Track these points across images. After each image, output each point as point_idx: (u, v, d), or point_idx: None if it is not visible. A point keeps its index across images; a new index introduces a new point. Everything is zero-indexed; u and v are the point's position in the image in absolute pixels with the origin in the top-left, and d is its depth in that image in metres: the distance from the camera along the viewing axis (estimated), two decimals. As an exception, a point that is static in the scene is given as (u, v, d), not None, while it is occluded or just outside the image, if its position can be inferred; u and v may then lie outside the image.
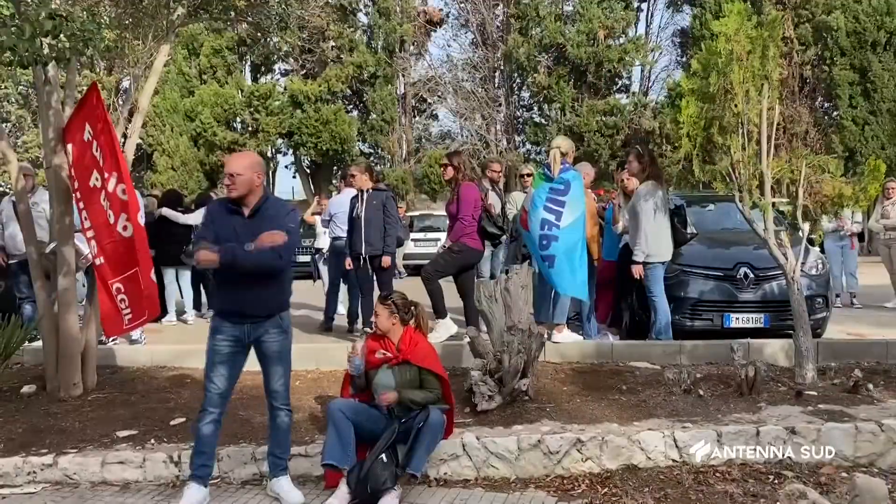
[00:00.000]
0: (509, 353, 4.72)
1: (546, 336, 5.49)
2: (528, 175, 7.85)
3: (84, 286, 7.05)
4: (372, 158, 28.48)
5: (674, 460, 4.19)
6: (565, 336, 6.24)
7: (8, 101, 24.41)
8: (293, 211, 3.97)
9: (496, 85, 28.91)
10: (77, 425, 4.92)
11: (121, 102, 23.75)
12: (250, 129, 26.45)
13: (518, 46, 26.07)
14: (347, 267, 7.45)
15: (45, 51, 4.28)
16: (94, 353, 5.81)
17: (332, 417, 3.98)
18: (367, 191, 7.15)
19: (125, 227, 5.19)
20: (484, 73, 28.30)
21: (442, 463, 4.16)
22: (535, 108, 28.85)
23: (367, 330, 6.87)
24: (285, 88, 27.26)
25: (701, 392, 5.00)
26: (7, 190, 8.93)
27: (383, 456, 3.79)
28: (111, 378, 6.02)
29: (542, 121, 27.84)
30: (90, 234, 5.36)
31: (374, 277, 7.17)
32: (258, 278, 3.73)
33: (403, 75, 28.40)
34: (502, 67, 28.38)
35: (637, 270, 6.19)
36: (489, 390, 4.69)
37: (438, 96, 28.85)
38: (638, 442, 4.19)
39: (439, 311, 6.49)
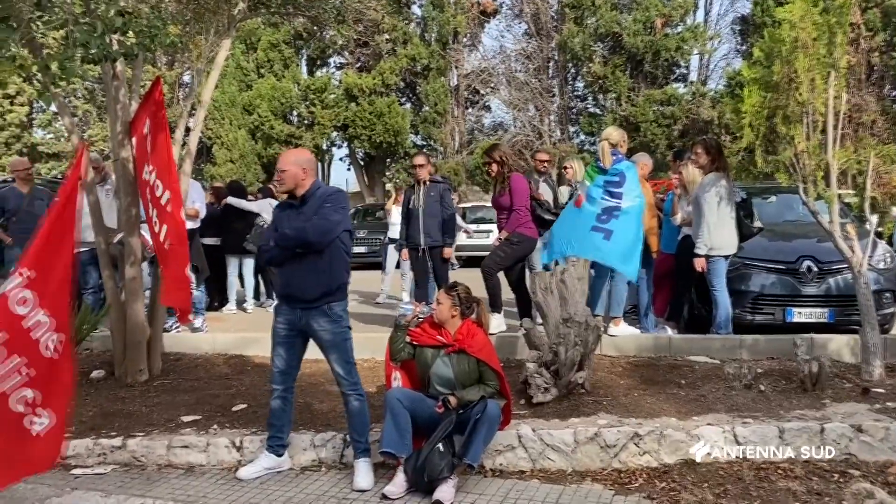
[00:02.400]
0: (565, 346, 4.70)
1: (602, 329, 5.44)
2: (567, 168, 7.81)
3: (150, 276, 7.25)
4: (424, 150, 28.58)
5: (734, 456, 4.12)
6: (622, 329, 6.18)
7: (75, 97, 25.26)
8: (334, 193, 4.09)
9: (550, 75, 28.64)
10: (144, 410, 5.09)
11: (181, 96, 24.33)
12: (306, 122, 26.81)
13: (573, 36, 25.76)
14: (403, 259, 7.52)
15: (115, 47, 4.42)
16: (159, 340, 6.01)
17: (390, 406, 4.03)
18: (425, 183, 7.18)
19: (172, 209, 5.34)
20: (538, 63, 28.05)
21: (498, 454, 4.17)
22: (590, 99, 28.50)
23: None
24: (340, 82, 27.54)
25: (762, 387, 4.90)
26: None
27: (440, 445, 3.82)
28: (175, 365, 6.21)
29: (597, 111, 27.50)
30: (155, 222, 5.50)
31: (431, 269, 7.20)
32: (302, 263, 3.92)
33: (456, 67, 28.38)
34: (556, 57, 28.10)
35: (699, 264, 6.07)
36: (545, 382, 4.68)
37: (491, 87, 28.74)
38: (697, 437, 4.13)
39: (495, 306, 6.48)
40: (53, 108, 26.55)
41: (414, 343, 4.33)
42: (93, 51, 4.04)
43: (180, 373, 6.01)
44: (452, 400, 4.08)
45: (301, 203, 4.01)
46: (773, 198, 8.19)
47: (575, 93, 29.01)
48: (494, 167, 6.49)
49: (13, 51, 3.49)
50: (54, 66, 3.64)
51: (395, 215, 9.74)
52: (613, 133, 6.09)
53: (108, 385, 5.70)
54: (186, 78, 26.11)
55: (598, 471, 4.12)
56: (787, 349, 5.42)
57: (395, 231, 9.72)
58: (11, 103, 25.42)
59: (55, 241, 3.82)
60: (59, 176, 23.08)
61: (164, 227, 5.18)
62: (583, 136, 27.85)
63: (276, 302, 4.51)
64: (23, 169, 8.14)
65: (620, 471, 4.09)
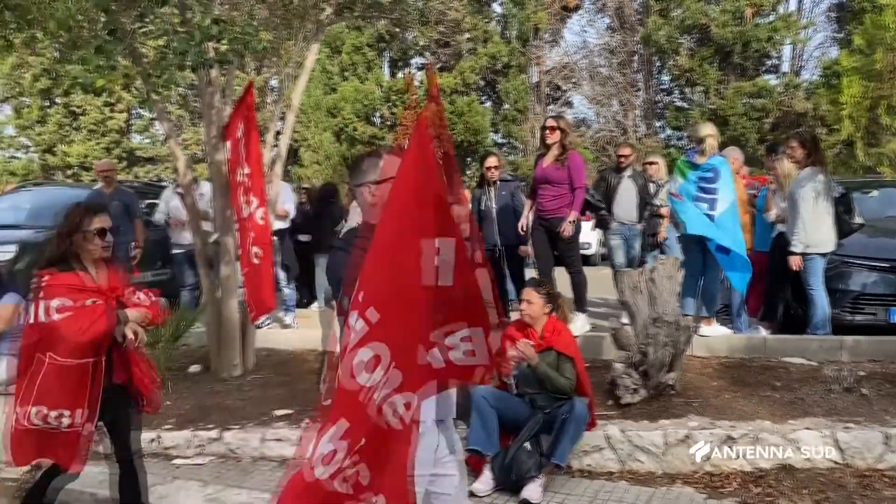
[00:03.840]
0: (654, 346, 4.60)
1: (694, 329, 5.30)
2: (652, 164, 7.59)
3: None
4: (504, 149, 28.50)
5: (835, 462, 3.95)
6: (713, 329, 6.00)
7: (170, 102, 26.42)
8: None
9: (634, 69, 28.06)
10: (238, 403, 5.28)
11: (269, 101, 25.09)
12: (388, 123, 27.17)
13: (658, 29, 25.15)
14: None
15: (210, 54, 4.60)
16: (252, 336, 6.22)
17: (476, 404, 4.05)
18: (497, 182, 7.14)
19: (262, 218, 5.51)
20: (621, 57, 27.53)
21: (585, 454, 4.13)
22: (676, 92, 27.75)
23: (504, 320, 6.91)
24: (421, 82, 27.79)
25: (864, 391, 4.68)
26: (168, 184, 9.69)
27: (527, 444, 3.82)
28: (267, 360, 6.41)
29: (684, 105, 26.75)
30: (235, 225, 5.70)
31: (505, 267, 7.13)
32: None
33: (537, 63, 28.16)
34: (641, 51, 27.50)
35: (795, 262, 5.82)
36: (633, 383, 4.60)
37: (573, 83, 28.39)
38: (794, 441, 3.99)
39: (582, 304, 6.39)
40: (151, 113, 27.90)
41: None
42: (190, 59, 4.22)
43: (272, 368, 6.21)
44: (532, 354, 4.05)
45: None
46: (875, 192, 7.80)
47: (660, 87, 28.32)
48: (557, 134, 6.17)
49: (120, 61, 3.69)
50: (164, 76, 3.81)
51: None
52: (712, 129, 5.94)
53: (205, 379, 5.94)
54: (273, 83, 26.90)
55: (689, 474, 4.03)
56: (891, 351, 5.16)
57: None
58: (111, 110, 26.85)
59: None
60: (156, 179, 24.22)
61: (252, 233, 5.39)
62: (669, 131, 27.16)
63: None
64: (104, 170, 8.38)
65: (713, 474, 3.99)
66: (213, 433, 4.72)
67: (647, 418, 4.39)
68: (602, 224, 7.23)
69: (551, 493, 3.84)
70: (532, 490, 3.71)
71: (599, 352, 5.80)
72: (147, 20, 4.35)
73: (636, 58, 27.99)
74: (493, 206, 7.04)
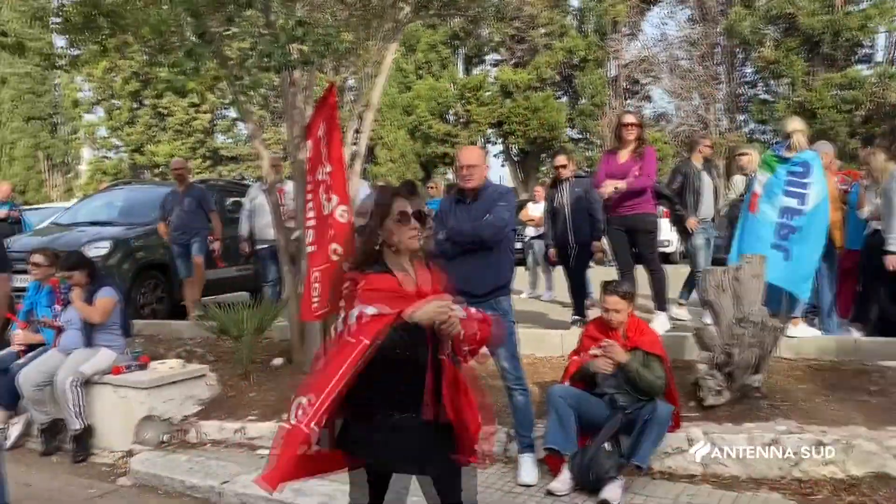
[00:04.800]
0: (740, 347, 4.47)
1: (782, 329, 5.12)
2: (744, 154, 7.30)
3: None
4: (581, 144, 28.15)
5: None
6: (801, 330, 5.78)
7: (252, 103, 27.23)
8: (507, 193, 4.19)
9: (716, 62, 27.21)
10: (319, 396, 5.40)
11: (350, 100, 25.49)
12: (462, 120, 27.24)
13: (741, 20, 24.32)
14: (552, 258, 7.42)
15: (294, 55, 4.71)
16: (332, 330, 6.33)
17: (554, 404, 4.02)
18: (569, 180, 7.07)
19: (342, 215, 5.58)
20: (702, 49, 26.74)
21: (666, 456, 4.05)
22: (761, 85, 26.76)
23: (576, 318, 6.81)
24: (496, 79, 27.72)
25: (969, 398, 4.42)
26: (251, 182, 9.98)
27: (607, 445, 3.78)
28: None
29: (769, 98, 25.79)
30: (311, 223, 5.72)
31: (575, 264, 7.04)
32: (476, 258, 3.98)
33: (615, 57, 27.69)
34: (723, 43, 26.64)
35: (891, 262, 5.54)
36: (717, 385, 4.48)
37: (653, 77, 27.77)
38: (891, 448, 3.80)
39: (663, 302, 6.26)
40: (234, 113, 28.81)
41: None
42: (274, 60, 4.34)
43: (351, 362, 6.30)
44: (622, 354, 4.00)
45: (473, 199, 4.08)
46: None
47: (743, 79, 27.37)
48: (636, 130, 6.10)
49: (209, 64, 3.82)
50: (250, 78, 3.93)
51: (533, 210, 9.66)
52: (800, 124, 5.72)
53: (287, 372, 6.10)
54: (350, 82, 27.35)
55: (775, 479, 3.90)
56: None
57: (530, 229, 9.70)
58: (196, 111, 27.89)
59: None
60: (240, 177, 25.01)
61: (332, 231, 5.48)
62: (752, 125, 26.24)
63: None
64: (177, 168, 8.60)
65: (801, 480, 3.85)
66: (295, 425, 4.84)
67: (731, 421, 4.27)
68: (678, 221, 7.03)
69: (631, 494, 3.78)
70: (611, 491, 3.66)
71: (680, 352, 5.66)
72: (233, 23, 4.49)
73: (718, 50, 27.13)
74: (566, 203, 6.95)
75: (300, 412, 2.43)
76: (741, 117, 26.81)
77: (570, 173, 7.13)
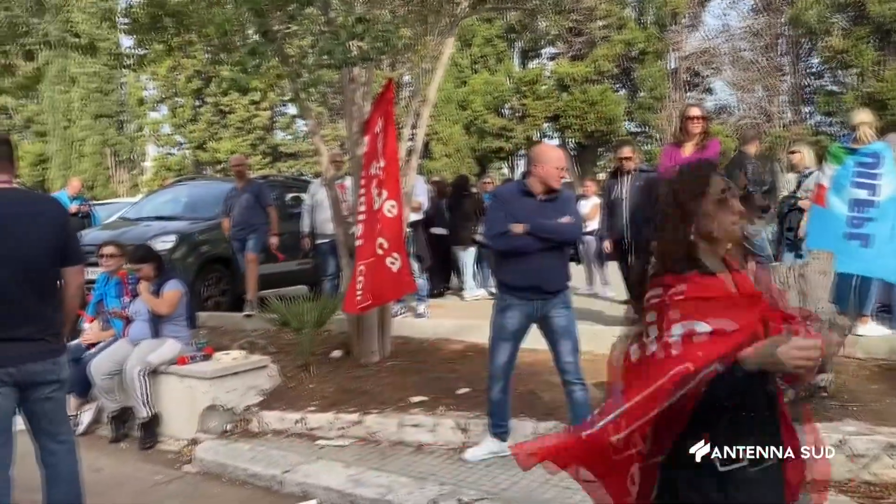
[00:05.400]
0: (805, 345, 4.34)
1: (850, 328, 4.96)
2: (795, 153, 7.10)
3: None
4: (640, 138, 27.70)
5: None
6: (871, 329, 5.58)
7: (311, 100, 27.62)
8: (572, 194, 4.48)
9: (780, 52, 26.42)
10: (377, 388, 5.47)
11: (407, 95, 25.66)
12: (518, 114, 27.11)
13: (807, 9, 23.54)
14: (606, 251, 7.29)
15: (353, 52, 4.77)
16: (389, 324, 6.41)
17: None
18: (631, 172, 6.91)
19: (391, 210, 5.60)
20: (766, 40, 25.99)
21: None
22: (827, 76, 25.88)
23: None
24: (552, 72, 27.49)
25: None
26: (309, 178, 10.14)
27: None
28: (403, 348, 6.59)
29: (836, 89, 24.91)
30: (361, 217, 5.73)
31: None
32: (551, 255, 4.12)
33: (675, 49, 27.15)
34: (788, 33, 25.85)
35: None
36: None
37: (714, 69, 27.14)
38: (969, 453, 3.64)
39: None
40: (293, 110, 29.30)
41: None
42: (335, 58, 4.40)
43: (407, 355, 6.37)
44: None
45: (547, 198, 4.17)
46: None
47: (809, 70, 26.50)
48: (701, 123, 6.02)
49: (271, 62, 3.90)
50: (312, 75, 4.00)
51: (583, 206, 9.54)
52: (868, 117, 5.53)
53: (345, 364, 6.19)
54: (406, 78, 27.47)
55: (843, 481, 3.77)
56: None
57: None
58: (256, 108, 28.47)
59: None
60: (298, 173, 25.43)
61: (379, 225, 5.53)
62: (819, 117, 25.40)
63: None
64: (236, 164, 8.78)
65: (871, 483, 3.72)
66: (355, 416, 4.92)
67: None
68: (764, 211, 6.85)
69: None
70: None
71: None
72: (295, 21, 4.56)
73: (782, 40, 26.32)
74: (625, 197, 6.83)
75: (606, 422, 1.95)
76: (806, 109, 25.98)
77: (634, 166, 6.99)
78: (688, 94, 27.43)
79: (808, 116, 25.85)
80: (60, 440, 3.38)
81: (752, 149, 7.02)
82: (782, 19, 25.49)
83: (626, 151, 6.98)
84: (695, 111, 6.08)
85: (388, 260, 5.51)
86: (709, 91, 28.72)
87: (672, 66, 27.39)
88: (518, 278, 4.18)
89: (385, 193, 5.58)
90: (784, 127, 23.98)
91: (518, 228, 4.07)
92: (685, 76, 27.38)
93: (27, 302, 3.17)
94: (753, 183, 6.60)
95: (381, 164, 5.62)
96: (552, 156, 4.20)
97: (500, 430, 4.36)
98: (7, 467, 3.17)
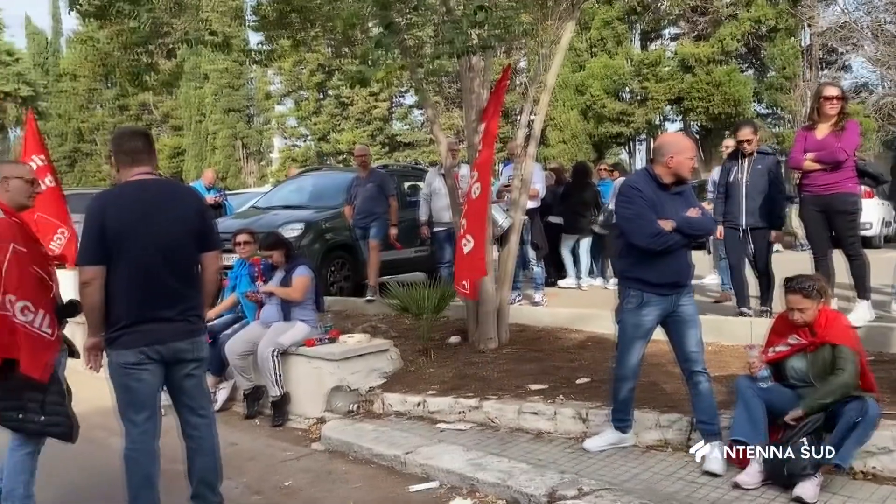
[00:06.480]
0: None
1: None
2: None
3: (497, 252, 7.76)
4: (769, 120, 26.30)
5: None
6: None
7: (431, 90, 28.01)
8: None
9: (930, 24, 24.31)
10: (494, 375, 5.51)
11: (518, 83, 25.48)
12: (638, 98, 26.34)
13: (962, -26, 21.56)
14: (718, 237, 6.85)
15: (474, 40, 4.79)
16: (506, 311, 6.44)
17: (743, 394, 3.84)
18: (751, 155, 6.48)
19: (475, 191, 5.67)
20: (913, 11, 23.98)
21: (869, 456, 3.73)
22: (984, 48, 23.60)
23: (764, 308, 6.31)
24: (675, 53, 26.51)
25: None
26: (425, 167, 10.32)
27: (805, 440, 3.54)
28: (519, 335, 6.60)
29: None
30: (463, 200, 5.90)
31: (752, 252, 6.50)
32: (686, 250, 4.07)
33: (809, 25, 25.50)
34: (940, 2, 23.75)
35: None
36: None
37: (852, 45, 25.29)
38: None
39: (864, 290, 5.71)
40: (409, 101, 29.80)
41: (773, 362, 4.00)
42: (456, 46, 4.44)
43: (524, 343, 6.38)
44: (797, 414, 3.72)
45: (676, 190, 4.08)
46: None
47: (966, 43, 24.25)
48: (841, 104, 5.62)
49: (395, 53, 3.98)
50: (434, 64, 4.05)
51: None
52: None
53: (463, 350, 6.27)
54: (521, 64, 27.29)
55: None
56: None
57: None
58: (376, 100, 29.16)
59: None
60: (415, 162, 25.88)
61: (465, 206, 5.59)
62: (978, 95, 23.20)
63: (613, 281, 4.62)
64: (360, 155, 8.96)
65: None
66: (474, 401, 4.98)
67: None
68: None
69: (828, 493, 3.53)
70: (807, 489, 3.43)
71: (886, 344, 5.19)
72: (416, 12, 4.63)
73: (933, 10, 24.20)
74: (744, 180, 6.41)
75: None
76: (961, 86, 23.78)
77: (754, 149, 6.56)
78: (823, 72, 25.74)
79: (962, 93, 23.66)
80: (201, 414, 3.61)
81: None
82: (933, -13, 23.42)
83: (747, 133, 6.44)
84: (832, 90, 5.68)
85: (464, 241, 5.65)
86: (845, 69, 26.87)
87: (805, 43, 25.78)
88: (663, 275, 4.01)
89: (475, 175, 5.67)
90: (934, 105, 22.05)
91: (668, 226, 3.92)
92: (819, 53, 25.70)
93: (172, 285, 3.40)
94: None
95: (479, 146, 5.67)
96: (686, 145, 4.06)
97: (623, 424, 4.31)
98: (154, 439, 3.43)
